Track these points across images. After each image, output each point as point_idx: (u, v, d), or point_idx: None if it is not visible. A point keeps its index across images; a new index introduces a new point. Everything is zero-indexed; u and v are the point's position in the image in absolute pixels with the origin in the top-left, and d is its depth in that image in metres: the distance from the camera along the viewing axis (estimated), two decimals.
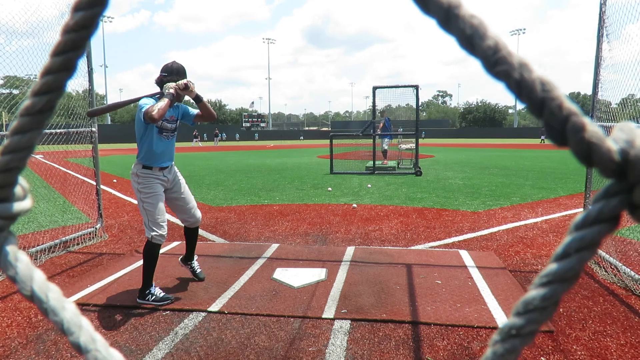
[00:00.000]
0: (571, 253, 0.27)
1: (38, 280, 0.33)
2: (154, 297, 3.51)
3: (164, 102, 3.31)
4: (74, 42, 0.30)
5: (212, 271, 4.29)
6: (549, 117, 0.26)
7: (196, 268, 4.06)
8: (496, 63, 0.26)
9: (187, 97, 3.56)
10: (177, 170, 3.77)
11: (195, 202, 3.86)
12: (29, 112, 0.31)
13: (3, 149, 0.32)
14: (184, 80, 3.41)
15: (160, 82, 3.55)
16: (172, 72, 3.53)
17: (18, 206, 0.33)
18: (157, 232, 3.47)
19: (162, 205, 3.55)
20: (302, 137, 66.45)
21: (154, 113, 3.21)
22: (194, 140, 47.11)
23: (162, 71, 3.57)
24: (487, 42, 0.26)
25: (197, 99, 3.56)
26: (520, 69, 0.26)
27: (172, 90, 3.39)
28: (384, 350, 2.78)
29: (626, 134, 0.25)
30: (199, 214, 3.88)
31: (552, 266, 0.28)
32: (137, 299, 3.54)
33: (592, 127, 0.25)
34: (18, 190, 0.33)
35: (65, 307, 0.32)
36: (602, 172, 0.26)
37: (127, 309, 3.44)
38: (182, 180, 3.79)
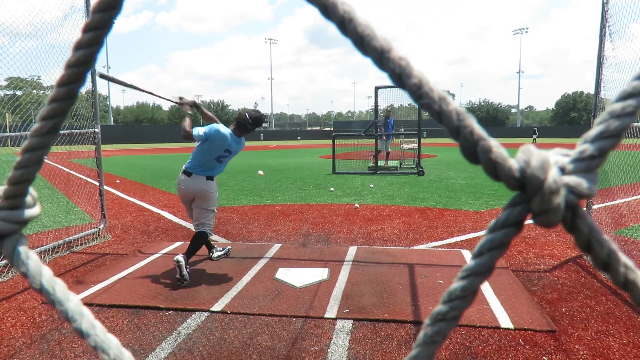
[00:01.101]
0: (484, 252, 0.32)
1: (46, 275, 0.38)
2: (181, 269, 3.86)
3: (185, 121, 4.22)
4: (76, 75, 0.36)
5: (215, 271, 4.31)
6: (463, 141, 0.31)
7: (217, 248, 4.84)
8: (420, 97, 0.31)
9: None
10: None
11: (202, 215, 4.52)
12: (38, 133, 0.37)
13: (16, 164, 0.38)
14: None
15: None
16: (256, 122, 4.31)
17: (28, 213, 0.39)
18: (211, 228, 4.27)
19: None
20: (299, 137, 65.52)
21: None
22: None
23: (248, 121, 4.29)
24: (412, 80, 0.31)
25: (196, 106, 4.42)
26: (439, 101, 0.31)
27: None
28: (386, 350, 2.78)
29: (525, 155, 0.31)
30: (202, 221, 4.49)
31: (470, 263, 0.33)
32: (178, 257, 3.91)
33: (498, 150, 0.31)
34: (28, 199, 0.39)
35: (70, 298, 0.37)
36: (507, 186, 0.31)
37: (130, 308, 3.45)
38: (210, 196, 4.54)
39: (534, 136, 45.84)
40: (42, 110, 0.37)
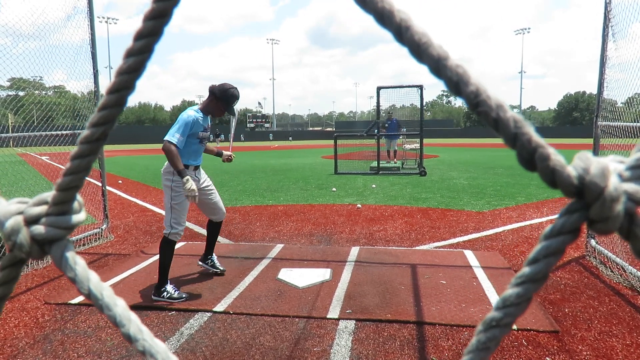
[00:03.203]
0: (540, 259, 0.33)
1: (94, 280, 0.37)
2: (169, 294, 3.58)
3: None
4: (126, 82, 0.36)
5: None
6: (520, 148, 0.31)
7: (216, 261, 4.26)
8: (477, 105, 0.31)
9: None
10: (203, 172, 4.04)
11: (220, 199, 4.15)
12: (87, 140, 0.37)
13: (65, 171, 0.37)
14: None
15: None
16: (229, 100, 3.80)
17: (75, 218, 0.39)
18: (177, 229, 3.63)
19: (187, 206, 3.68)
20: (290, 138, 64.09)
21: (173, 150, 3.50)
22: None
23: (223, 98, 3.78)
24: (470, 87, 0.31)
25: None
26: (497, 109, 0.31)
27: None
28: (389, 351, 2.78)
29: (583, 162, 0.31)
30: (224, 209, 4.17)
31: (525, 269, 0.33)
32: (152, 296, 3.61)
33: (556, 157, 0.30)
34: (75, 204, 0.39)
35: (117, 303, 0.37)
36: (564, 193, 0.31)
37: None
38: (210, 181, 4.10)
39: None
40: (92, 117, 0.37)
